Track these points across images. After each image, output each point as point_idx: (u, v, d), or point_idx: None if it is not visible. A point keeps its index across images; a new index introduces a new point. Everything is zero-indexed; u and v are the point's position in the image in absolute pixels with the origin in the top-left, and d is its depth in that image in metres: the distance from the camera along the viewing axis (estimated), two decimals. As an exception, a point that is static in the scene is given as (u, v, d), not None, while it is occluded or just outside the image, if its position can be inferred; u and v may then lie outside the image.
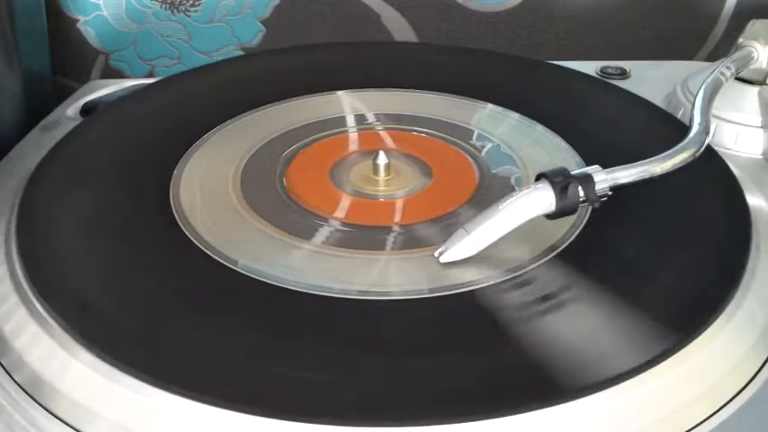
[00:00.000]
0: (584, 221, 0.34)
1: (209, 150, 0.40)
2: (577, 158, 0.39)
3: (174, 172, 0.38)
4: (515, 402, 0.26)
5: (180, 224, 0.34)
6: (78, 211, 0.35)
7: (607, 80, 0.49)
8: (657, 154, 0.33)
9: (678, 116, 0.43)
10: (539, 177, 0.32)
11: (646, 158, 0.33)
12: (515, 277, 0.31)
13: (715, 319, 0.29)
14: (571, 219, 0.33)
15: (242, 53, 0.63)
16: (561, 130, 0.41)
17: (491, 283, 0.31)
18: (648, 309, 0.30)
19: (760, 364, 0.29)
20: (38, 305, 0.30)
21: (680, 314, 0.29)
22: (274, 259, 0.32)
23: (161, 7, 0.61)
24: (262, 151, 0.40)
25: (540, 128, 0.42)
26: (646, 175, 0.33)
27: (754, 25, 0.43)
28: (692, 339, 0.28)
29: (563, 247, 0.33)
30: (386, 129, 0.42)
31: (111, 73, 0.63)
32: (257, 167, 0.39)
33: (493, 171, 0.39)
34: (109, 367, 0.27)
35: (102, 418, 0.27)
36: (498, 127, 0.42)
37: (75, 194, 0.36)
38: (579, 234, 0.33)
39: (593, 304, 0.30)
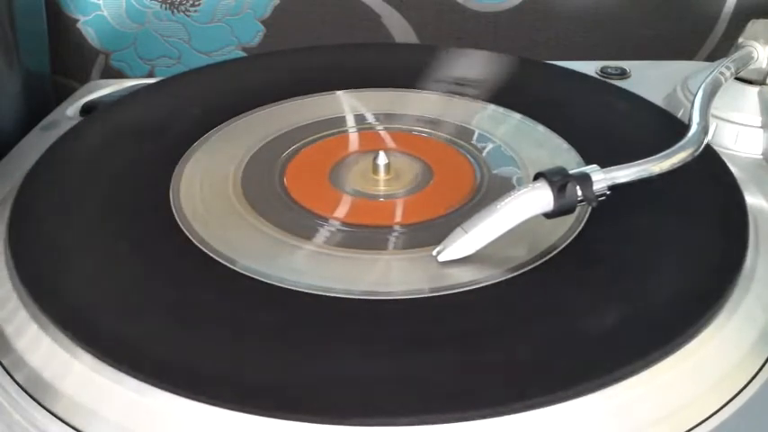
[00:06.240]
0: (584, 221, 0.34)
1: (210, 150, 0.40)
2: (578, 159, 0.39)
3: (174, 172, 0.38)
4: (515, 401, 0.26)
5: (180, 224, 0.34)
6: (78, 212, 0.35)
7: (607, 80, 0.49)
8: (658, 153, 0.33)
9: (678, 116, 0.43)
10: (537, 177, 0.32)
11: (646, 158, 0.33)
12: (515, 277, 0.31)
13: (715, 319, 0.29)
14: (570, 218, 0.33)
15: (242, 53, 0.63)
16: (562, 131, 0.41)
17: (491, 282, 0.31)
18: (648, 308, 0.30)
19: (760, 365, 0.29)
20: (37, 306, 0.30)
21: (679, 314, 0.29)
22: (274, 259, 0.32)
23: (161, 7, 0.61)
24: (262, 151, 0.40)
25: (540, 128, 0.42)
26: (644, 174, 0.33)
27: (754, 25, 0.44)
28: (692, 339, 0.28)
29: (562, 246, 0.33)
30: (386, 129, 0.42)
31: (111, 73, 0.63)
32: (257, 167, 0.39)
33: (493, 171, 0.39)
34: (109, 367, 0.27)
35: (102, 418, 0.27)
36: (499, 127, 0.42)
37: (74, 195, 0.36)
38: (578, 233, 0.33)
39: (592, 304, 0.30)
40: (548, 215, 0.32)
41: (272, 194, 0.37)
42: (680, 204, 0.35)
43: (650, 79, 0.50)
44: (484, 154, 0.40)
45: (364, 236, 0.34)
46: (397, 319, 0.29)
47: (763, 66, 0.43)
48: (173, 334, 0.29)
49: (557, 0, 0.62)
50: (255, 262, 0.32)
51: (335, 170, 0.39)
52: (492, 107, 0.44)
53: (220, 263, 0.32)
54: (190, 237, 0.34)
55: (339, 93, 0.46)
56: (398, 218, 0.36)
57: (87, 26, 0.61)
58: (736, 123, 0.43)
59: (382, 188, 0.37)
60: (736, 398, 0.28)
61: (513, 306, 0.30)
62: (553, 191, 0.31)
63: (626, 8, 0.62)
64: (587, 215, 0.34)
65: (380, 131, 0.42)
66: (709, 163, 0.37)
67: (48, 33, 0.57)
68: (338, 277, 0.31)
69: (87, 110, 0.47)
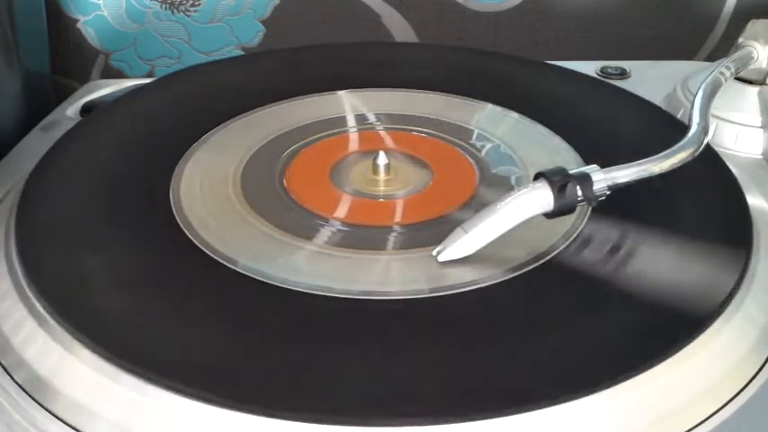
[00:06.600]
0: (584, 221, 0.34)
1: (210, 150, 0.40)
2: (578, 159, 0.39)
3: (175, 172, 0.38)
4: (516, 402, 0.26)
5: (180, 224, 0.34)
6: (78, 211, 0.35)
7: (607, 80, 0.49)
8: (657, 154, 0.33)
9: (678, 116, 0.43)
10: (537, 176, 0.32)
11: (646, 158, 0.33)
12: (515, 277, 0.31)
13: (715, 320, 0.29)
14: (570, 218, 0.33)
15: (242, 53, 0.63)
16: (561, 130, 0.41)
17: (491, 282, 0.31)
18: (648, 308, 0.30)
19: (760, 365, 0.29)
20: (37, 305, 0.30)
21: (680, 314, 0.29)
22: (274, 259, 0.32)
23: (161, 7, 0.61)
24: (262, 151, 0.40)
25: (540, 128, 0.42)
26: (644, 174, 0.33)
27: (754, 25, 0.44)
28: (692, 339, 0.28)
29: (563, 246, 0.33)
30: (386, 129, 0.42)
31: (111, 73, 0.63)
32: (257, 167, 0.39)
33: (493, 171, 0.39)
34: (109, 367, 0.27)
35: (102, 418, 0.27)
36: (498, 127, 0.42)
37: (74, 194, 0.36)
38: (579, 233, 0.33)
39: (592, 304, 0.30)
40: (548, 215, 0.32)
41: (272, 194, 0.37)
42: (681, 205, 0.35)
43: (650, 79, 0.50)
44: (483, 154, 0.40)
45: (364, 236, 0.34)
46: (396, 319, 0.29)
47: (763, 66, 0.43)
48: (173, 333, 0.29)
49: (557, 0, 0.62)
50: (255, 262, 0.32)
51: (335, 170, 0.39)
52: (491, 107, 0.44)
53: (220, 263, 0.32)
54: (190, 237, 0.34)
55: (339, 93, 0.46)
56: (398, 218, 0.36)
57: (87, 26, 0.61)
58: (736, 123, 0.43)
59: (382, 188, 0.37)
60: (737, 398, 0.28)
61: (513, 306, 0.30)
62: (553, 191, 0.31)
63: (626, 8, 0.62)
64: (587, 215, 0.34)
65: (380, 131, 0.42)
66: (710, 164, 0.37)
67: (48, 33, 0.57)
68: (338, 277, 0.31)
69: (87, 110, 0.47)
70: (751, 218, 0.34)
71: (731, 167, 0.38)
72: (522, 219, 0.32)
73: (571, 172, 0.32)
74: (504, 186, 0.37)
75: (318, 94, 0.45)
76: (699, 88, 0.39)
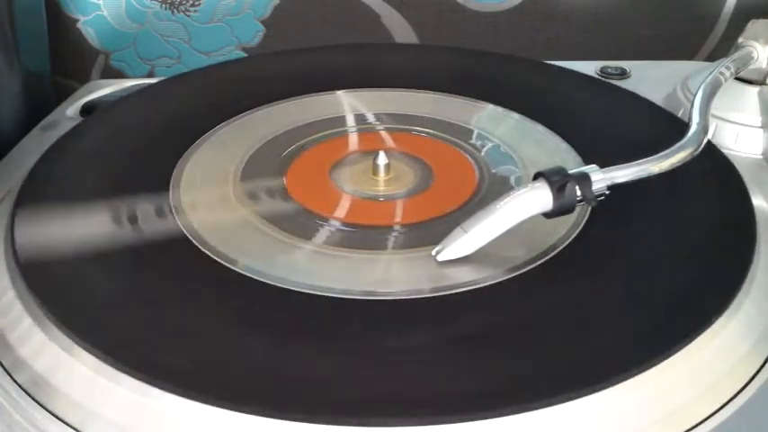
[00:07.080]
0: (584, 220, 0.34)
1: (210, 150, 0.40)
2: (578, 159, 0.39)
3: (174, 171, 0.38)
4: (515, 402, 0.26)
5: (180, 224, 0.34)
6: (78, 212, 0.35)
7: (607, 80, 0.49)
8: (658, 153, 0.33)
9: (678, 116, 0.43)
10: (536, 176, 0.32)
11: (645, 158, 0.33)
12: (516, 277, 0.31)
13: (715, 320, 0.29)
14: (571, 218, 0.33)
15: (242, 53, 0.63)
16: (561, 130, 0.41)
17: (491, 282, 0.31)
18: (649, 308, 0.30)
19: (760, 364, 0.29)
20: (37, 305, 0.30)
21: (681, 314, 0.29)
22: (274, 259, 0.32)
23: (161, 7, 0.61)
24: (262, 151, 0.40)
25: (540, 128, 0.42)
26: (643, 174, 0.33)
27: (754, 25, 0.44)
28: (693, 339, 0.28)
29: (563, 246, 0.33)
30: (386, 129, 0.42)
31: (111, 73, 0.63)
32: (257, 167, 0.39)
33: (493, 171, 0.39)
34: (109, 367, 0.27)
35: (102, 418, 0.27)
36: (498, 127, 0.42)
37: (74, 194, 0.36)
38: (579, 233, 0.33)
39: (592, 304, 0.30)
40: (547, 215, 0.32)
41: (272, 194, 0.37)
42: (681, 205, 0.35)
43: (650, 79, 0.50)
44: (483, 154, 0.40)
45: (364, 236, 0.34)
46: (397, 318, 0.29)
47: (763, 66, 0.43)
48: (172, 334, 0.29)
49: (557, 0, 0.62)
50: (255, 262, 0.32)
51: (335, 170, 0.39)
52: (491, 107, 0.44)
53: (220, 263, 0.32)
54: (189, 237, 0.34)
55: (339, 93, 0.46)
56: (398, 218, 0.36)
57: (87, 26, 0.62)
58: (736, 123, 0.43)
59: (382, 188, 0.37)
60: (737, 398, 0.28)
61: (513, 306, 0.30)
62: (552, 191, 0.31)
63: (626, 8, 0.62)
64: (587, 215, 0.34)
65: (380, 131, 0.42)
66: (715, 163, 0.37)
67: (48, 33, 0.58)
68: (338, 277, 0.31)
69: (87, 110, 0.47)
70: (755, 218, 0.34)
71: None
72: (521, 218, 0.32)
73: (570, 172, 0.32)
74: (505, 186, 0.37)
75: (318, 93, 0.45)
76: (699, 88, 0.39)
